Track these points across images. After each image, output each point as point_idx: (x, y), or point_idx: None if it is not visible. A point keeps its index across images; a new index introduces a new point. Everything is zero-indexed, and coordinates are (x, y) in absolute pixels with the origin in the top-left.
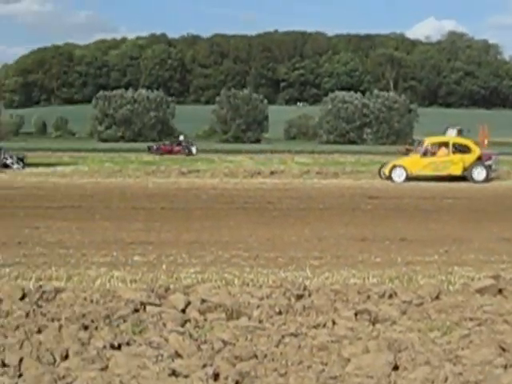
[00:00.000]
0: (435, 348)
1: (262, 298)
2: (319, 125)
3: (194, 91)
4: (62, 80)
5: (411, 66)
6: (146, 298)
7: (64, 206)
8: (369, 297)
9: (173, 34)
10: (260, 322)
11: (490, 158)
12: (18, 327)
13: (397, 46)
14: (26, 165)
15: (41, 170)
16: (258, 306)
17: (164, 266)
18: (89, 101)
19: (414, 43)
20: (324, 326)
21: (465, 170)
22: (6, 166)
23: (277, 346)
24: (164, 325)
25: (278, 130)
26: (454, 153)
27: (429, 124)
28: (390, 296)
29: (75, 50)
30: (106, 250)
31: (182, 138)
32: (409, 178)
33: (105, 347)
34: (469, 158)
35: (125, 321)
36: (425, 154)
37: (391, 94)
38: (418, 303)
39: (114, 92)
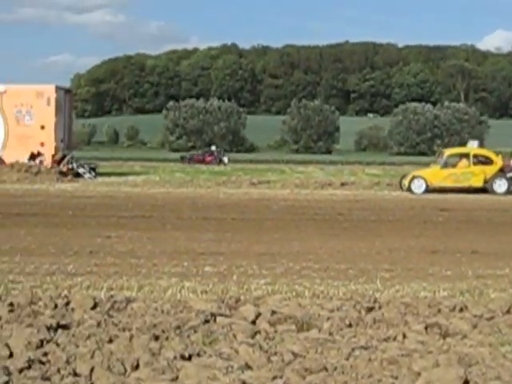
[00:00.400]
0: (506, 363)
1: (332, 310)
2: (390, 136)
3: (264, 101)
4: (133, 90)
5: (482, 78)
6: (217, 309)
7: (135, 215)
8: (439, 310)
9: (244, 45)
10: (330, 334)
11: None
12: (89, 337)
13: (467, 58)
14: (97, 174)
15: (113, 179)
16: (328, 318)
17: (235, 277)
18: (160, 110)
19: (485, 54)
20: (394, 339)
21: (486, 181)
22: (78, 175)
23: (347, 359)
24: (234, 336)
25: (349, 140)
26: (475, 164)
27: (500, 136)
28: (461, 310)
29: (147, 60)
30: (177, 261)
31: (213, 148)
32: (428, 190)
33: (175, 358)
34: (490, 170)
35: (195, 331)
36: (445, 165)
37: (462, 105)
38: (488, 317)
39: (185, 102)
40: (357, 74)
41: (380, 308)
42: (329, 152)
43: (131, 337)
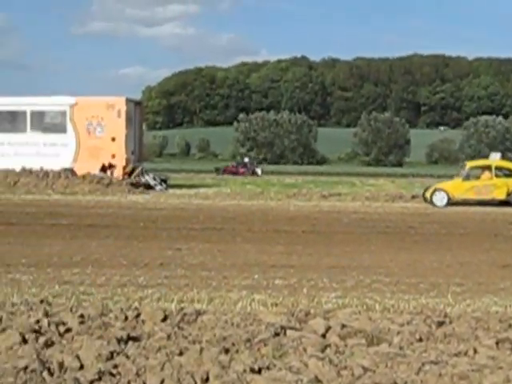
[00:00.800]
0: None
1: (402, 325)
2: (461, 149)
3: (334, 114)
4: (204, 102)
5: None
6: (287, 322)
7: (206, 227)
8: (510, 325)
9: (313, 57)
10: (400, 348)
11: None
12: (159, 349)
13: None
14: (169, 186)
15: (184, 191)
16: (399, 333)
17: (305, 290)
18: (230, 123)
19: None
20: (465, 354)
21: (509, 194)
22: (149, 187)
23: (417, 374)
24: (304, 349)
25: (420, 153)
26: (497, 176)
27: None
28: None
29: (217, 72)
30: (248, 273)
31: (246, 159)
32: (451, 203)
33: (245, 371)
34: None
35: (265, 345)
36: (467, 177)
37: None
38: None
39: (256, 114)
40: (427, 86)
41: (451, 322)
42: (400, 165)
43: (201, 349)
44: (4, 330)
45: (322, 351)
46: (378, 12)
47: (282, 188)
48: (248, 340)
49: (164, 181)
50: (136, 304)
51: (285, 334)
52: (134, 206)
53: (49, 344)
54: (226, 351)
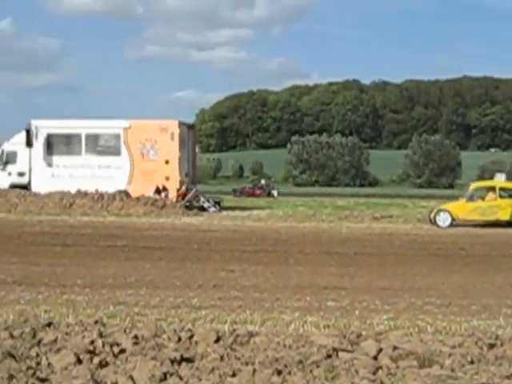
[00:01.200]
0: None
1: (454, 347)
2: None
3: (386, 136)
4: (256, 125)
5: None
6: (339, 344)
7: (259, 249)
8: None
9: (364, 80)
10: (452, 370)
11: None
12: (212, 370)
13: None
14: (222, 208)
15: (237, 213)
16: (450, 355)
17: (357, 312)
18: (283, 145)
19: None
20: None
21: None
22: (202, 208)
23: None
24: (356, 371)
25: (471, 175)
26: (501, 197)
27: None
28: None
29: (269, 95)
30: (300, 295)
31: (263, 182)
32: (455, 224)
33: None
34: None
35: (317, 366)
36: (471, 198)
37: None
38: None
39: (309, 137)
40: (477, 108)
41: (502, 345)
42: (451, 187)
43: (254, 371)
44: (59, 350)
45: (374, 373)
46: (427, 35)
47: (334, 210)
48: (300, 362)
49: (217, 203)
50: (189, 325)
51: (337, 355)
52: (188, 228)
53: (103, 364)
54: (279, 373)
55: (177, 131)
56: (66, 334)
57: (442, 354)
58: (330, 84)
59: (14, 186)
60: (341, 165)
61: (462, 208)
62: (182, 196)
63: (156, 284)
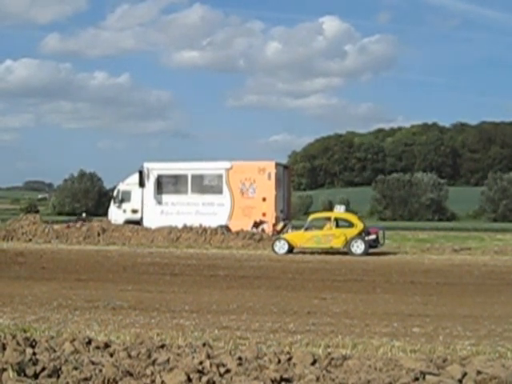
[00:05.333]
0: None
1: None
2: None
3: (464, 174)
4: (343, 165)
5: None
6: (426, 368)
7: (348, 279)
8: None
9: (443, 122)
10: None
11: (370, 233)
12: None
13: None
14: None
15: None
16: None
17: (441, 338)
18: (368, 183)
19: None
20: None
21: (346, 243)
22: None
23: None
24: None
25: None
26: (339, 227)
27: None
28: None
29: (355, 138)
30: (387, 321)
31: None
32: (291, 251)
33: None
34: (351, 232)
35: None
36: (308, 228)
37: None
38: None
39: (393, 175)
40: None
41: None
42: None
43: None
44: (171, 369)
45: None
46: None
47: (417, 243)
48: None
49: None
50: (287, 348)
51: (424, 378)
52: (283, 259)
53: (211, 383)
54: None
55: (273, 171)
56: (178, 354)
57: None
58: (412, 126)
59: (128, 222)
60: (424, 201)
61: (299, 237)
62: (278, 231)
63: (255, 310)
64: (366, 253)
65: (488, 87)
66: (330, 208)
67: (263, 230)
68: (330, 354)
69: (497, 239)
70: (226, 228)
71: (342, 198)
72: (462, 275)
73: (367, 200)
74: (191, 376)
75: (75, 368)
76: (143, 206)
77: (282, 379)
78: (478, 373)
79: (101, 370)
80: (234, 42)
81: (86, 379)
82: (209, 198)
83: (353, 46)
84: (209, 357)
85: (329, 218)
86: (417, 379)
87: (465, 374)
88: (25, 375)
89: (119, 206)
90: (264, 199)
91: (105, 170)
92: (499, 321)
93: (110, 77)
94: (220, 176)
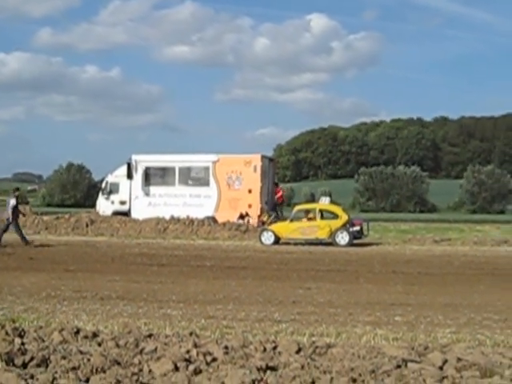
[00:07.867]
0: None
1: None
2: None
3: (444, 167)
4: (327, 158)
5: None
6: (407, 355)
7: (331, 269)
8: None
9: (426, 117)
10: (511, 381)
11: (354, 225)
12: (294, 378)
13: None
14: None
15: None
16: (510, 366)
17: (422, 326)
18: (351, 176)
19: None
20: None
21: (331, 234)
22: None
23: None
24: (424, 381)
25: None
26: (323, 219)
27: None
28: None
29: (339, 131)
30: (370, 310)
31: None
32: (278, 242)
33: None
34: (335, 224)
35: (388, 375)
36: (294, 219)
37: None
38: None
39: (375, 168)
40: None
41: None
42: (502, 212)
43: (331, 379)
44: (159, 358)
45: (440, 382)
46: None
47: (398, 234)
48: (373, 371)
49: None
50: (273, 337)
51: (406, 366)
52: (268, 250)
53: (197, 372)
54: (354, 381)
55: (259, 164)
56: (165, 344)
57: (502, 366)
58: (394, 121)
59: (116, 213)
60: (404, 192)
61: (285, 228)
62: (262, 221)
63: (241, 300)
64: (350, 244)
65: (469, 83)
66: (313, 200)
67: (249, 222)
68: (314, 342)
69: (476, 230)
70: (213, 219)
71: (323, 190)
72: (442, 265)
73: (349, 192)
74: (178, 364)
75: (63, 357)
76: (131, 197)
77: (267, 367)
78: (459, 360)
79: (89, 359)
80: (223, 38)
81: (74, 368)
82: (196, 189)
83: (339, 43)
84: (196, 346)
85: (314, 210)
86: (399, 366)
87: (445, 361)
88: (13, 365)
89: (107, 198)
90: (250, 191)
91: (94, 161)
92: (478, 309)
93: (101, 71)
94: (207, 168)
